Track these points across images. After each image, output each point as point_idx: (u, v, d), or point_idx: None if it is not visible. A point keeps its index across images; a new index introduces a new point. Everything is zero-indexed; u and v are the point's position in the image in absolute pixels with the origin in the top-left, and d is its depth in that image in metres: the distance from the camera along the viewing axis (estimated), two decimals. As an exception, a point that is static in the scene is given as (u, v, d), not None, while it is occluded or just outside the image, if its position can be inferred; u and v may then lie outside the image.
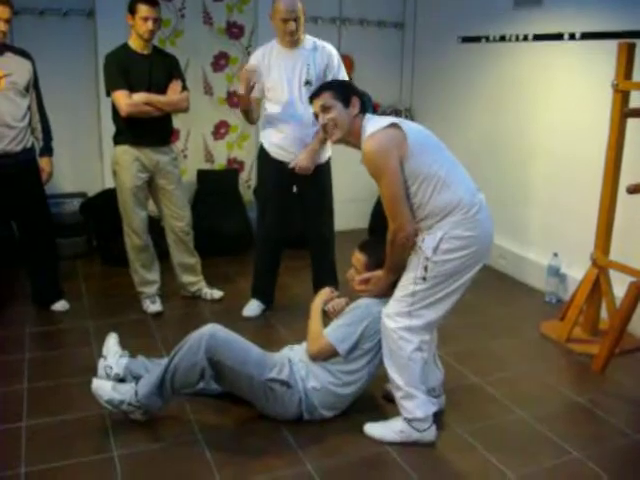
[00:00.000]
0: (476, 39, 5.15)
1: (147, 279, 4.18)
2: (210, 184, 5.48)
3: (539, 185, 4.72)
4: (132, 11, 3.79)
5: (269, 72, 3.81)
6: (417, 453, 2.79)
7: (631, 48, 3.52)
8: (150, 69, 3.91)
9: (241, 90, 3.75)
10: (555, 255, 4.46)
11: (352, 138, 2.80)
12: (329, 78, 3.80)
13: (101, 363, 3.12)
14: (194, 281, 4.39)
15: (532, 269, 4.78)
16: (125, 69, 3.82)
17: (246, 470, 2.65)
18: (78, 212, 5.12)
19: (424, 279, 2.69)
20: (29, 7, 4.79)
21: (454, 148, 2.86)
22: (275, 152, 3.91)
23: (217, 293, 4.41)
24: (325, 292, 3.23)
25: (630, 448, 2.87)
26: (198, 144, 5.63)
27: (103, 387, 2.86)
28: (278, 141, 3.89)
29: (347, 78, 3.93)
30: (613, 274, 3.80)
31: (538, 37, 4.56)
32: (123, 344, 3.24)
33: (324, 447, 2.82)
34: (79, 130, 5.18)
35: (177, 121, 4.66)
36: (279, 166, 3.90)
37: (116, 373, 3.06)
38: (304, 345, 3.08)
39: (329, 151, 4.02)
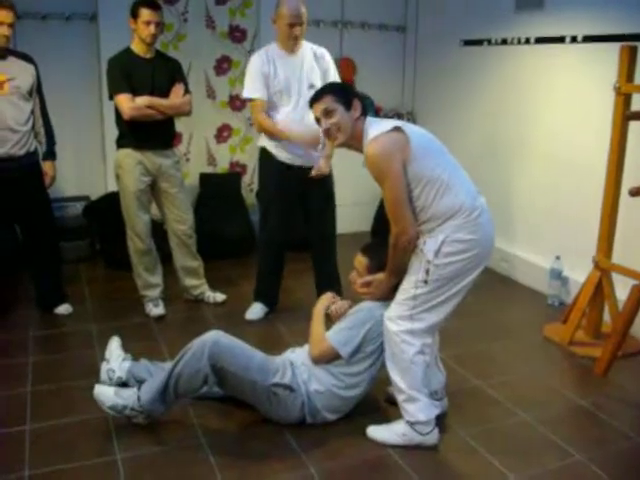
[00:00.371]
0: (478, 42, 5.15)
1: (150, 282, 4.18)
2: (213, 187, 5.49)
3: (541, 188, 4.72)
4: (134, 15, 3.80)
5: (275, 75, 3.81)
6: (419, 456, 2.79)
7: (633, 51, 3.53)
8: (153, 73, 3.92)
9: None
10: (557, 258, 4.46)
11: (354, 141, 2.79)
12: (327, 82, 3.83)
13: (104, 367, 3.13)
14: (197, 284, 4.39)
15: (534, 272, 4.78)
16: (128, 73, 3.84)
17: (249, 473, 2.66)
18: (81, 216, 5.13)
19: (425, 282, 2.69)
20: (32, 11, 4.80)
21: (456, 151, 2.86)
22: (281, 155, 3.91)
23: (220, 296, 4.41)
24: (327, 297, 3.23)
25: (633, 451, 2.87)
26: (201, 147, 5.64)
27: (105, 393, 2.86)
28: (281, 144, 3.89)
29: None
30: (616, 277, 3.79)
31: (540, 40, 4.56)
32: (126, 347, 3.25)
33: (327, 450, 2.83)
34: (82, 134, 5.20)
35: (180, 125, 4.67)
36: (282, 169, 3.91)
37: (119, 377, 3.07)
38: (306, 348, 3.08)
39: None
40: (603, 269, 3.77)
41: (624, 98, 3.56)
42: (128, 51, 3.93)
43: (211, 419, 3.03)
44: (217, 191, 5.45)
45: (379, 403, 3.19)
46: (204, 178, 5.53)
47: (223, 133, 5.68)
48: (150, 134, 3.94)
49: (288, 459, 2.76)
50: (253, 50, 5.46)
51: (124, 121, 3.87)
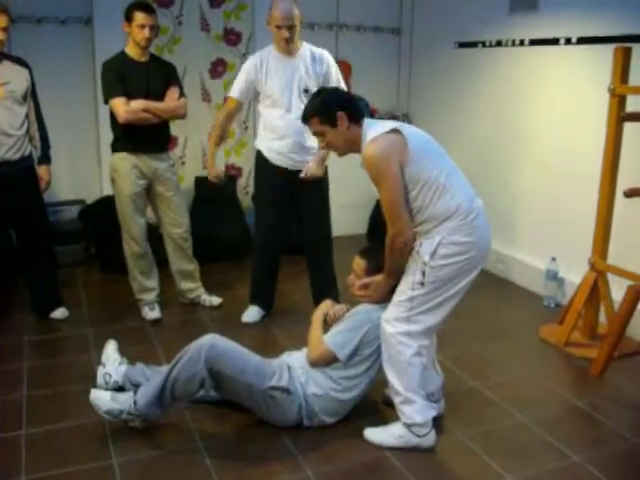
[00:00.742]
0: (472, 44, 5.16)
1: (146, 286, 4.18)
2: (208, 191, 5.45)
3: (536, 189, 4.73)
4: (129, 19, 3.80)
5: (266, 79, 3.81)
6: (416, 458, 2.79)
7: (627, 52, 3.53)
8: (147, 76, 3.92)
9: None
10: (553, 259, 4.47)
11: (354, 147, 2.80)
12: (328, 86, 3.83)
13: (100, 371, 3.12)
14: (193, 288, 4.39)
15: (530, 273, 4.78)
16: (123, 77, 3.83)
17: (246, 476, 2.65)
18: (77, 220, 5.12)
19: (422, 284, 2.69)
20: (26, 15, 4.79)
21: (451, 153, 2.86)
22: (274, 158, 3.92)
23: (216, 300, 4.41)
24: (326, 304, 3.24)
25: (629, 452, 2.88)
26: (196, 151, 5.64)
27: (101, 398, 2.85)
28: (277, 147, 3.89)
29: (344, 86, 3.93)
30: (611, 278, 3.80)
31: (534, 42, 4.57)
32: (122, 351, 3.25)
33: (324, 452, 2.82)
34: (77, 138, 5.19)
35: (175, 128, 4.66)
36: (277, 172, 3.91)
37: (115, 380, 3.07)
38: (304, 351, 3.08)
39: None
40: (599, 270, 3.78)
41: (618, 99, 3.57)
42: (123, 55, 3.92)
43: (208, 422, 3.03)
44: (212, 194, 5.43)
45: (376, 405, 3.18)
46: (199, 181, 5.51)
47: (218, 136, 5.67)
48: (145, 138, 3.93)
49: (285, 462, 2.76)
50: (248, 53, 5.46)
51: (119, 125, 3.87)
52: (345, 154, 2.89)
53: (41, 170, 4.04)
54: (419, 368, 2.78)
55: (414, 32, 5.97)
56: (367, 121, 2.80)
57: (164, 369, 2.92)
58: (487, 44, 5.01)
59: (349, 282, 3.08)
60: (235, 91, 3.92)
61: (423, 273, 2.69)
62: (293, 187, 3.94)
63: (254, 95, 3.96)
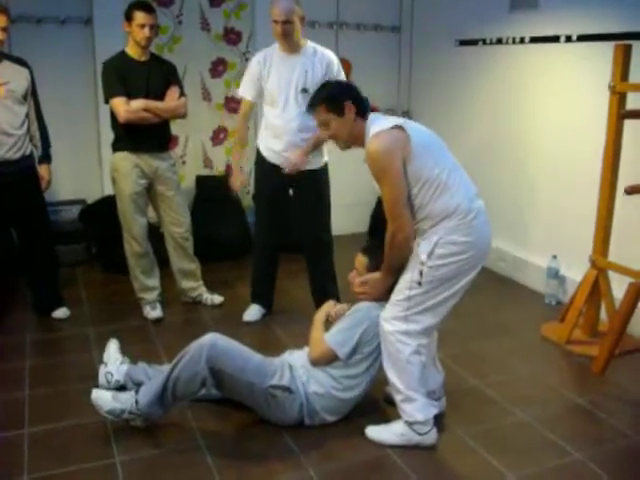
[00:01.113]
0: (473, 42, 5.16)
1: (147, 285, 4.18)
2: (209, 190, 5.49)
3: (537, 187, 4.73)
4: (128, 18, 3.80)
5: (268, 77, 3.82)
6: (418, 456, 2.79)
7: (627, 50, 3.53)
8: (148, 76, 3.92)
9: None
10: (554, 257, 4.47)
11: (358, 141, 2.79)
12: None
13: (102, 370, 3.13)
14: (194, 287, 4.39)
15: (531, 271, 4.78)
16: (123, 76, 3.84)
17: (247, 475, 2.66)
18: (77, 219, 5.12)
19: (419, 284, 2.70)
20: (26, 15, 4.80)
21: (451, 150, 2.86)
22: (271, 156, 3.92)
23: (217, 298, 4.41)
24: (329, 304, 3.25)
25: (631, 449, 2.88)
26: (197, 150, 5.64)
27: (103, 397, 2.86)
28: (273, 145, 3.90)
29: None
30: (612, 275, 3.80)
31: (534, 39, 4.57)
32: (124, 350, 3.25)
33: (325, 451, 2.83)
34: (78, 137, 5.19)
35: (176, 127, 4.66)
36: (275, 170, 3.91)
37: (116, 380, 3.07)
38: (305, 350, 3.08)
39: (325, 156, 4.02)
40: (600, 268, 3.78)
41: (619, 97, 3.57)
42: (123, 54, 3.93)
43: (209, 421, 3.03)
44: (213, 193, 5.45)
45: (378, 403, 3.19)
46: (200, 181, 5.53)
47: (219, 135, 5.68)
48: (146, 137, 3.94)
49: (287, 460, 2.76)
50: (248, 52, 5.47)
51: (120, 124, 3.87)
52: (348, 147, 2.87)
53: (42, 169, 4.05)
54: (418, 366, 2.78)
55: (414, 30, 5.97)
56: (372, 115, 2.80)
57: (166, 368, 2.92)
58: (487, 42, 5.01)
59: (350, 279, 3.08)
60: (246, 91, 3.92)
61: (420, 273, 2.68)
62: (291, 185, 3.94)
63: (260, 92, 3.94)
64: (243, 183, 4.12)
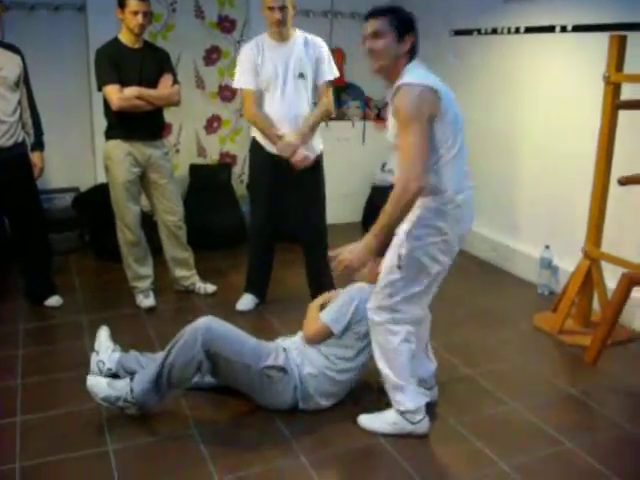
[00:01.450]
0: (468, 32, 5.15)
1: (140, 274, 4.17)
2: (203, 178, 5.48)
3: (531, 177, 4.73)
4: (122, 5, 3.78)
5: (262, 64, 3.80)
6: (410, 444, 2.80)
7: (622, 40, 3.53)
8: (141, 63, 3.90)
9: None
10: (547, 247, 4.47)
11: (391, 75, 2.69)
12: (319, 71, 3.83)
13: (93, 358, 3.12)
14: (187, 275, 4.39)
15: (524, 261, 4.79)
16: (116, 63, 3.81)
17: (241, 462, 2.66)
18: (70, 207, 5.12)
19: (399, 267, 2.69)
20: (20, 1, 4.77)
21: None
22: (268, 145, 3.90)
23: (210, 287, 4.41)
24: (324, 295, 3.27)
25: (622, 438, 2.89)
26: (190, 138, 5.62)
27: (98, 384, 2.85)
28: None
29: (337, 72, 3.94)
30: (605, 266, 3.81)
31: (530, 29, 4.56)
32: (116, 339, 3.24)
33: (318, 438, 2.84)
34: (71, 125, 5.17)
35: (169, 115, 4.65)
36: (271, 159, 3.89)
37: (108, 368, 3.07)
38: (299, 334, 3.12)
39: (321, 145, 4.01)
40: (592, 258, 3.79)
41: (613, 87, 3.57)
42: (116, 41, 3.90)
43: (203, 409, 3.04)
44: (207, 182, 5.44)
45: (371, 391, 3.19)
46: (194, 169, 5.51)
47: (213, 124, 5.66)
48: (139, 125, 3.92)
49: (280, 447, 2.77)
50: (242, 40, 5.44)
51: (113, 112, 3.85)
52: (380, 72, 2.73)
53: (34, 157, 4.03)
54: (407, 355, 2.79)
55: (409, 19, 5.94)
56: (414, 63, 2.72)
57: (159, 356, 2.93)
58: (482, 32, 5.00)
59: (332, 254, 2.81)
60: (246, 81, 3.84)
61: (399, 256, 2.68)
62: (287, 174, 3.93)
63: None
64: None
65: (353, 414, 2.96)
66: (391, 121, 2.68)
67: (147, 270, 4.21)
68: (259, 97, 3.85)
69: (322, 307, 3.14)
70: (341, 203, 5.69)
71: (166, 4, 5.24)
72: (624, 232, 3.93)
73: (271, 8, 3.68)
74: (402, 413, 2.82)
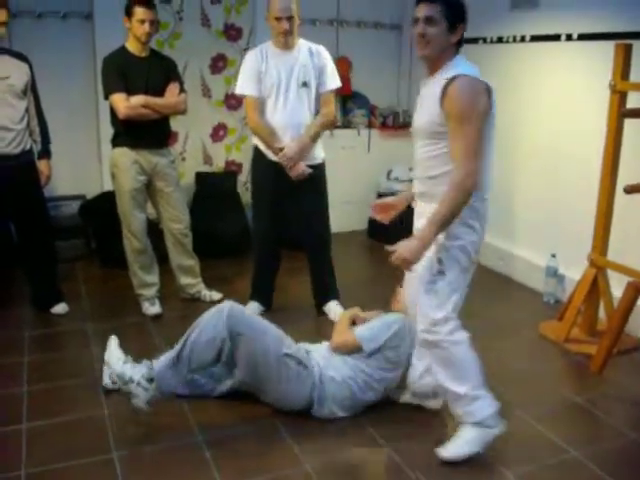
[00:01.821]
0: (473, 40, 5.15)
1: (146, 281, 4.18)
2: (209, 186, 5.48)
3: (537, 186, 4.73)
4: (129, 14, 3.80)
5: (266, 72, 3.81)
6: (414, 451, 2.80)
7: (628, 49, 3.53)
8: (148, 72, 3.91)
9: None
10: (553, 256, 4.47)
11: (435, 64, 2.61)
12: (323, 80, 3.84)
13: (105, 371, 3.05)
14: (193, 283, 4.39)
15: (530, 270, 4.78)
16: (123, 72, 3.83)
17: (245, 470, 2.66)
18: (77, 215, 5.13)
19: (442, 273, 2.63)
20: (27, 10, 4.79)
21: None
22: (270, 152, 3.90)
23: (216, 295, 4.41)
24: (354, 309, 3.31)
25: (628, 448, 2.88)
26: (197, 147, 5.64)
27: (116, 360, 2.86)
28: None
29: (339, 82, 3.94)
30: (611, 274, 3.81)
31: (535, 38, 4.57)
32: (122, 346, 3.22)
33: (322, 447, 2.83)
34: (78, 132, 5.18)
35: (175, 124, 4.65)
36: (273, 166, 3.89)
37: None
38: (324, 344, 3.16)
39: (322, 153, 4.02)
40: (598, 267, 3.78)
41: (619, 96, 3.57)
42: (123, 50, 3.92)
43: (207, 417, 3.03)
44: (213, 190, 5.45)
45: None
46: (200, 177, 5.52)
47: (219, 132, 5.67)
48: (145, 133, 3.93)
49: (284, 455, 2.76)
50: (248, 48, 5.44)
51: (119, 120, 3.86)
52: (427, 57, 2.61)
53: (41, 164, 4.04)
54: (474, 360, 2.73)
55: (415, 28, 5.95)
56: (461, 57, 2.65)
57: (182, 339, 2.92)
58: (488, 40, 5.01)
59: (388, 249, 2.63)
60: (249, 88, 3.83)
61: (440, 260, 2.62)
62: (289, 182, 3.93)
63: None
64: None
65: (358, 423, 2.97)
66: (430, 108, 2.58)
67: (153, 278, 4.22)
68: (262, 105, 3.86)
69: (353, 322, 3.18)
70: (346, 211, 5.70)
71: (172, 12, 5.27)
72: (630, 241, 3.92)
73: (279, 19, 3.69)
74: (479, 423, 2.71)
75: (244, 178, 5.81)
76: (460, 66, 2.57)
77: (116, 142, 4.01)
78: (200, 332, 2.83)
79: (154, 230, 4.33)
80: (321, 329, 3.79)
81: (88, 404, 2.93)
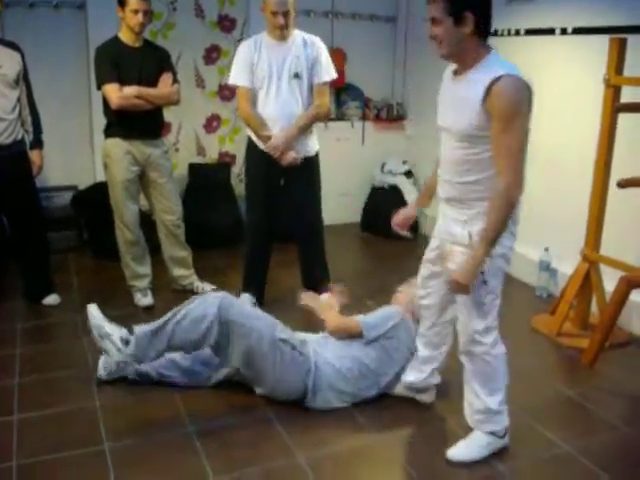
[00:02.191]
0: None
1: (138, 273, 4.17)
2: (202, 178, 5.47)
3: (529, 180, 4.68)
4: (122, 3, 3.77)
5: (258, 63, 3.79)
6: (407, 444, 2.81)
7: (622, 43, 3.53)
8: (141, 62, 3.89)
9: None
10: (546, 250, 4.47)
11: (462, 59, 2.50)
12: (316, 71, 3.82)
13: (107, 342, 2.90)
14: (185, 274, 4.38)
15: (523, 264, 4.78)
16: (116, 62, 3.81)
17: (237, 461, 2.66)
18: (69, 205, 5.11)
19: (485, 282, 2.56)
20: (19, -1, 4.77)
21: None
22: (262, 143, 3.89)
23: (208, 286, 4.40)
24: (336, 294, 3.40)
25: (620, 441, 2.90)
26: (190, 137, 5.62)
27: (95, 313, 2.92)
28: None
29: (335, 73, 3.92)
30: (604, 268, 3.81)
31: (530, 32, 4.56)
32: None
33: (314, 438, 2.84)
34: (70, 123, 5.16)
35: (169, 114, 4.64)
36: (267, 158, 3.88)
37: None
38: (320, 334, 3.19)
39: (317, 145, 4.01)
40: (591, 261, 3.79)
41: (613, 90, 3.57)
42: (116, 40, 3.90)
43: (199, 407, 3.03)
44: (206, 181, 5.44)
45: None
46: (193, 168, 5.51)
47: (212, 123, 5.65)
48: (138, 124, 3.91)
49: (276, 447, 2.77)
50: (242, 39, 5.41)
51: (112, 111, 3.84)
52: (447, 56, 2.55)
53: (33, 154, 4.02)
54: (507, 371, 2.73)
55: (409, 20, 5.94)
56: (496, 54, 2.50)
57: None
58: (483, 33, 4.99)
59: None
60: (241, 78, 3.83)
61: (483, 271, 2.50)
62: (281, 174, 3.92)
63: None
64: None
65: (350, 415, 2.97)
66: (469, 110, 2.44)
67: (145, 269, 4.21)
68: (254, 95, 3.85)
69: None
70: (340, 204, 5.69)
71: (166, 3, 5.23)
72: (623, 235, 3.92)
73: (275, 13, 3.67)
74: (493, 432, 2.72)
75: (237, 169, 5.79)
76: (498, 64, 2.43)
77: (109, 132, 3.99)
78: (191, 309, 2.82)
79: (147, 221, 4.31)
80: (313, 321, 3.78)
81: (80, 395, 2.92)
